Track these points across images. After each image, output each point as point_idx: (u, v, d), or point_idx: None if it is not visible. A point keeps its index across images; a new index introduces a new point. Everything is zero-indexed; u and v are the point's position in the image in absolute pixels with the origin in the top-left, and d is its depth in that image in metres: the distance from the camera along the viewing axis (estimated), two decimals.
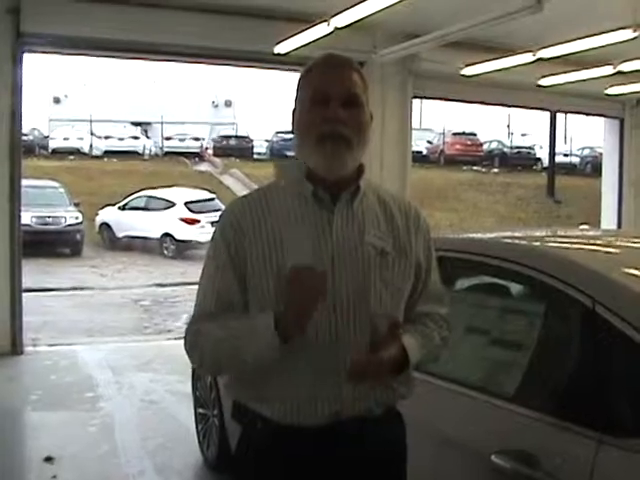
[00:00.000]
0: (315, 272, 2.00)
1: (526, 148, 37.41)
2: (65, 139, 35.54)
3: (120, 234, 22.62)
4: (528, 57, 9.50)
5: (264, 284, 2.15)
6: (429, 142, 36.65)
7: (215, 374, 2.96)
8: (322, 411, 2.13)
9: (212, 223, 21.17)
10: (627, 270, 2.80)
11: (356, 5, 7.73)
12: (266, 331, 2.02)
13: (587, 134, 34.66)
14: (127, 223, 22.39)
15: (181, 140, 37.51)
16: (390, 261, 2.21)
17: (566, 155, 36.65)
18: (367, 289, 2.16)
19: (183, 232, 20.78)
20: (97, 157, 34.47)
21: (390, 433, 2.26)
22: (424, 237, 2.32)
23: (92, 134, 36.22)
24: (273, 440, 2.17)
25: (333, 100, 2.13)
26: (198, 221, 20.74)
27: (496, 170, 35.00)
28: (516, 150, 37.12)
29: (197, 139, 37.89)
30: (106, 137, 36.15)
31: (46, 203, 20.33)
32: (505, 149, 37.45)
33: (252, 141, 37.88)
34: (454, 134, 36.97)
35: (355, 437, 2.16)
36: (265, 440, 2.19)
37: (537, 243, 3.55)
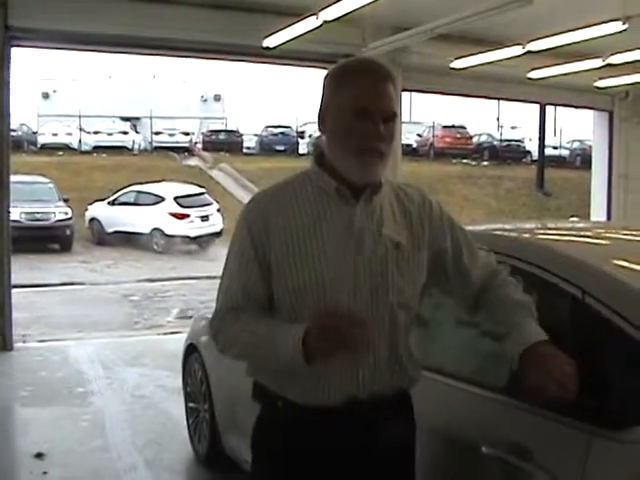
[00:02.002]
0: (359, 322, 2.06)
1: (516, 141, 37.45)
2: (54, 135, 35.38)
3: (110, 229, 22.56)
4: (518, 50, 9.51)
5: (288, 279, 2.23)
6: (419, 135, 36.66)
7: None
8: (339, 393, 2.22)
9: (202, 218, 21.21)
10: (616, 261, 2.80)
11: None
12: (293, 350, 2.09)
13: (577, 127, 34.75)
14: (117, 218, 22.34)
15: (170, 135, 37.41)
16: (405, 253, 2.30)
17: (556, 148, 36.72)
18: (386, 280, 2.25)
19: (173, 227, 20.76)
20: (86, 152, 34.33)
21: (402, 425, 2.37)
22: (438, 222, 2.40)
23: (81, 129, 36.07)
24: (293, 417, 2.27)
25: (376, 115, 2.20)
26: (188, 216, 20.73)
27: (486, 163, 35.05)
28: (506, 143, 37.14)
29: (186, 134, 37.80)
30: (95, 132, 36.01)
31: (35, 199, 20.29)
32: (495, 142, 37.47)
33: (242, 135, 37.82)
34: (444, 127, 37.01)
35: (369, 421, 2.25)
36: (286, 416, 2.28)
37: (527, 235, 3.55)
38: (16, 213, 16.45)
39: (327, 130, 2.30)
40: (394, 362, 2.31)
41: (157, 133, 37.82)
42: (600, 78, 11.35)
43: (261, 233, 2.24)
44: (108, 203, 22.94)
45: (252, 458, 2.45)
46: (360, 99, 2.20)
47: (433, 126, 37.08)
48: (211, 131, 38.35)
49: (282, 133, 37.02)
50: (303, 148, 35.26)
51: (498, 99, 18.33)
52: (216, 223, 21.55)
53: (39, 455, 5.43)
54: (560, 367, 2.16)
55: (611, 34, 8.33)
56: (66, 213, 20.94)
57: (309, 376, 2.19)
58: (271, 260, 2.24)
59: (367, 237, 2.25)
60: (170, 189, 22.71)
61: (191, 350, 5.45)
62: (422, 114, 39.41)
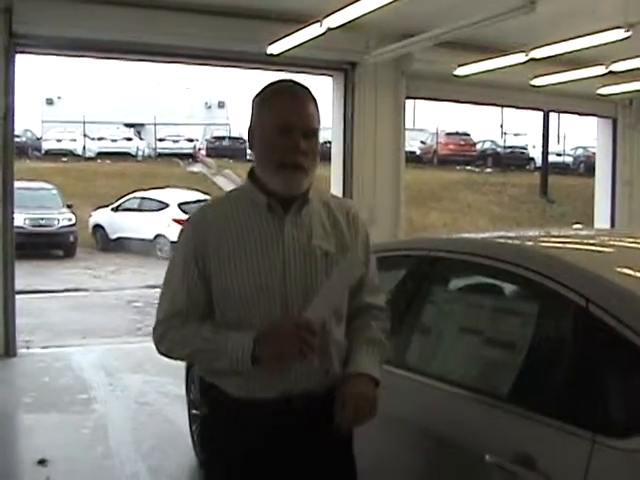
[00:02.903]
0: (309, 328, 2.32)
1: (519, 148, 37.43)
2: (58, 141, 35.43)
3: (113, 235, 22.58)
4: (521, 57, 9.50)
5: (225, 285, 2.44)
6: (422, 142, 36.66)
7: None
8: (274, 389, 2.42)
9: None
10: (620, 269, 2.80)
11: (349, 5, 7.72)
12: (242, 354, 2.35)
13: (580, 134, 34.75)
14: (120, 224, 22.34)
15: (174, 141, 37.45)
16: (334, 261, 2.50)
17: (559, 155, 36.71)
18: (315, 287, 2.44)
19: (176, 233, 20.67)
20: (90, 159, 34.39)
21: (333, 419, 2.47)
22: (362, 237, 2.63)
23: (85, 135, 36.13)
24: (234, 409, 2.48)
25: (296, 131, 2.42)
26: None
27: (489, 170, 35.03)
28: (509, 150, 37.13)
29: (190, 140, 37.82)
30: (99, 138, 36.09)
31: (39, 205, 20.33)
32: (498, 149, 37.45)
33: (245, 142, 37.78)
34: (447, 134, 36.98)
35: (303, 411, 2.45)
36: (228, 409, 2.49)
37: (530, 243, 3.55)
38: (20, 219, 16.51)
39: (254, 148, 2.53)
40: (326, 363, 2.49)
41: (161, 139, 37.86)
42: (603, 85, 11.34)
43: (200, 245, 2.47)
44: (112, 209, 22.95)
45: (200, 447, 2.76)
46: (281, 117, 2.42)
47: (437, 133, 37.09)
48: (215, 137, 38.36)
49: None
50: None
51: (502, 106, 18.34)
52: None
53: (42, 461, 5.43)
54: (353, 404, 2.39)
55: (614, 42, 8.33)
56: (70, 219, 20.96)
57: (250, 375, 2.40)
58: (210, 269, 2.45)
59: (297, 247, 2.46)
60: (174, 195, 22.70)
61: None
62: (426, 121, 39.53)
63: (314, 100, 2.50)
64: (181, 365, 5.81)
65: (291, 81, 2.55)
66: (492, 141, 38.30)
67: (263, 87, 2.55)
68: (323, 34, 8.45)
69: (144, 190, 23.47)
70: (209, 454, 2.66)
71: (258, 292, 2.42)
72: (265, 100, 2.51)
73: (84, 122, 36.44)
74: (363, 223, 2.66)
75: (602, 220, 13.50)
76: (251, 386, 2.44)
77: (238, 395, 2.45)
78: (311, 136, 2.46)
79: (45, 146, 35.25)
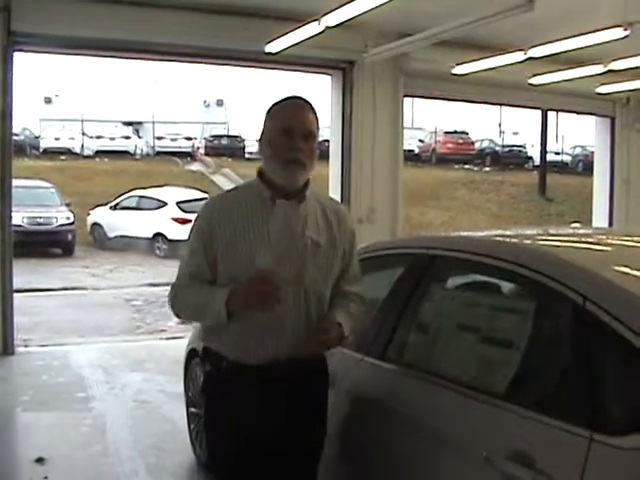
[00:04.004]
0: (274, 282, 2.80)
1: (518, 147, 37.45)
2: (56, 139, 35.39)
3: (112, 234, 22.57)
4: (519, 56, 9.50)
5: (230, 266, 2.94)
6: (421, 141, 36.68)
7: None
8: (264, 355, 2.93)
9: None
10: (618, 268, 2.81)
11: (347, 4, 7.71)
12: (218, 307, 2.86)
13: (578, 132, 34.72)
14: (119, 223, 22.35)
15: (173, 140, 37.44)
16: (322, 251, 3.02)
17: (557, 153, 36.74)
18: (304, 268, 2.97)
19: (175, 232, 20.70)
20: (88, 157, 34.36)
21: (316, 383, 3.11)
22: (349, 233, 3.15)
23: (83, 134, 36.09)
24: (231, 372, 2.98)
25: (296, 133, 2.94)
26: (190, 221, 20.48)
27: (488, 169, 35.04)
28: (508, 149, 37.15)
29: (189, 139, 37.80)
30: (97, 137, 36.02)
31: (37, 203, 20.27)
32: (497, 148, 37.47)
33: (244, 141, 37.76)
34: (446, 133, 36.99)
35: (289, 375, 2.95)
36: (226, 372, 3.00)
37: (528, 241, 3.55)
38: (18, 217, 16.49)
39: (263, 150, 3.05)
40: (310, 333, 2.95)
41: (159, 138, 37.85)
42: (602, 84, 11.33)
43: (210, 227, 2.97)
44: (110, 208, 22.95)
45: (204, 401, 3.24)
46: (284, 122, 2.97)
47: (435, 132, 37.09)
48: (213, 136, 38.31)
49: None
50: None
51: (500, 105, 18.30)
52: None
53: (40, 460, 5.43)
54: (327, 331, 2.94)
55: (612, 40, 8.32)
56: (68, 218, 20.93)
57: (244, 341, 2.93)
58: (217, 247, 2.95)
59: (292, 235, 2.95)
60: (172, 194, 22.71)
61: (193, 355, 5.44)
62: (424, 120, 39.44)
63: (314, 111, 3.03)
64: (179, 363, 5.81)
65: (296, 96, 3.08)
66: (490, 140, 38.31)
67: (273, 103, 3.09)
68: (321, 33, 8.43)
69: (142, 188, 23.46)
70: (208, 402, 3.17)
71: (254, 270, 2.85)
72: (273, 111, 3.06)
73: (82, 120, 36.42)
74: (351, 222, 3.21)
75: (600, 219, 13.50)
76: (242, 353, 2.94)
77: (234, 359, 2.96)
78: (309, 139, 2.97)
79: (43, 144, 35.19)
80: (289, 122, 2.96)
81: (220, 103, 49.24)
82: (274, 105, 3.09)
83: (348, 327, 3.00)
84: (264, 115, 3.09)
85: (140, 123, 41.90)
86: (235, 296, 2.84)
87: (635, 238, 3.59)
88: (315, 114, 3.04)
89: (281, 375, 2.94)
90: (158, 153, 36.54)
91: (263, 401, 2.95)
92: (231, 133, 39.21)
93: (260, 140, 3.09)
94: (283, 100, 3.09)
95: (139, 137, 39.34)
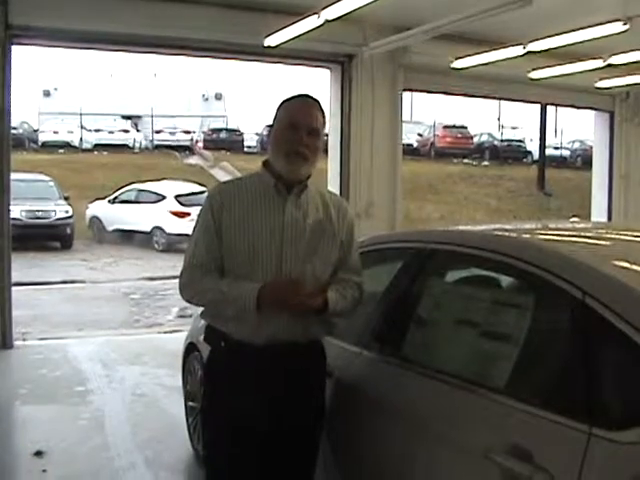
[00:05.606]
0: (300, 287, 3.02)
1: (516, 141, 37.48)
2: (55, 132, 35.42)
3: (110, 227, 22.57)
4: (518, 50, 9.49)
5: (235, 245, 3.10)
6: (420, 135, 36.70)
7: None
8: (264, 335, 3.07)
9: None
10: (617, 262, 2.80)
11: None
12: (249, 301, 3.00)
13: (578, 127, 34.75)
14: (117, 216, 22.34)
15: (171, 133, 37.46)
16: (321, 237, 3.18)
17: (557, 148, 36.77)
18: (303, 254, 3.12)
19: (173, 225, 20.72)
20: (87, 150, 34.39)
21: (312, 366, 3.23)
22: (348, 224, 3.31)
23: (82, 127, 36.09)
24: (233, 350, 3.13)
25: (301, 128, 3.11)
26: (188, 214, 20.65)
27: (487, 163, 35.06)
28: (507, 143, 37.18)
29: (187, 132, 37.81)
30: (96, 130, 36.05)
31: (36, 197, 20.25)
32: (496, 142, 37.49)
33: (242, 134, 37.81)
34: (445, 127, 37.01)
35: (287, 355, 3.09)
36: (228, 350, 3.15)
37: (527, 236, 3.55)
38: (17, 211, 16.50)
39: (270, 142, 3.25)
40: (307, 317, 3.11)
41: (158, 131, 37.86)
42: (601, 79, 11.32)
43: (218, 211, 3.12)
44: (109, 201, 22.94)
45: (205, 380, 3.40)
46: (291, 116, 3.16)
47: (434, 126, 37.09)
48: (212, 130, 38.32)
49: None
50: None
51: (499, 99, 18.28)
52: None
53: (38, 453, 5.44)
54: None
55: (612, 35, 8.31)
56: (67, 211, 20.91)
57: (246, 322, 3.06)
58: (222, 230, 3.11)
59: (293, 222, 3.12)
60: (171, 187, 22.68)
61: (191, 349, 5.45)
62: (423, 114, 39.49)
63: (321, 110, 3.21)
64: (177, 356, 5.81)
65: (305, 94, 3.26)
66: (489, 134, 38.35)
67: (284, 99, 3.26)
68: (320, 26, 8.42)
69: (141, 182, 23.46)
70: (209, 379, 3.33)
71: (258, 252, 3.07)
72: (283, 106, 3.23)
73: (81, 114, 36.40)
74: (350, 215, 3.35)
75: (599, 213, 13.50)
76: (245, 332, 3.07)
77: (237, 338, 3.10)
78: (314, 134, 3.14)
79: (42, 138, 35.21)
80: (296, 117, 3.13)
81: (219, 97, 49.25)
82: (285, 100, 3.26)
83: (334, 302, 3.12)
84: (274, 109, 3.26)
85: (139, 117, 41.89)
86: (263, 296, 2.99)
87: (634, 232, 3.59)
88: (322, 113, 3.21)
89: (281, 352, 3.07)
90: (157, 147, 36.55)
91: (263, 373, 3.08)
92: (230, 127, 39.19)
93: (269, 132, 3.27)
94: (294, 97, 3.27)
95: (138, 131, 39.34)
